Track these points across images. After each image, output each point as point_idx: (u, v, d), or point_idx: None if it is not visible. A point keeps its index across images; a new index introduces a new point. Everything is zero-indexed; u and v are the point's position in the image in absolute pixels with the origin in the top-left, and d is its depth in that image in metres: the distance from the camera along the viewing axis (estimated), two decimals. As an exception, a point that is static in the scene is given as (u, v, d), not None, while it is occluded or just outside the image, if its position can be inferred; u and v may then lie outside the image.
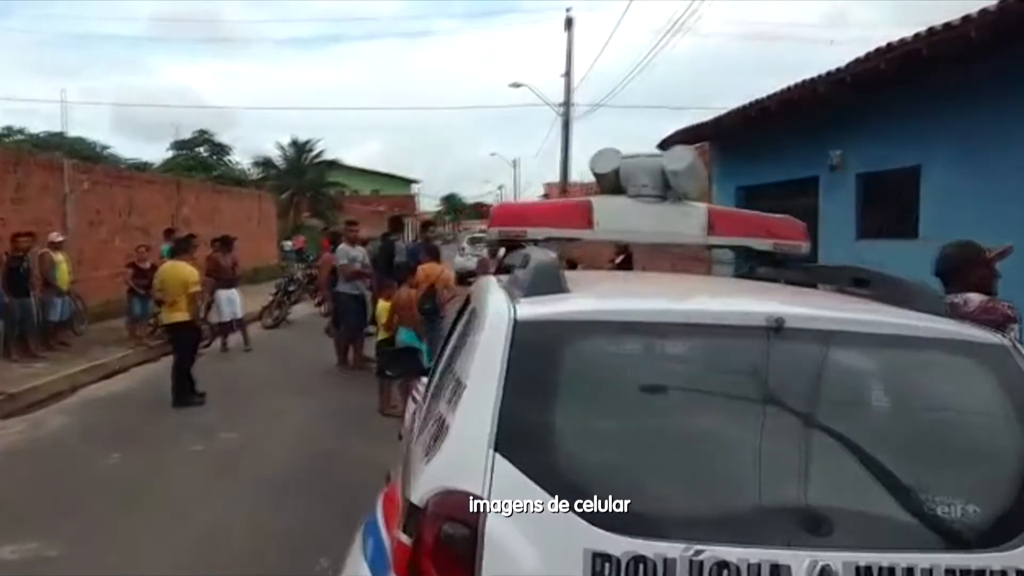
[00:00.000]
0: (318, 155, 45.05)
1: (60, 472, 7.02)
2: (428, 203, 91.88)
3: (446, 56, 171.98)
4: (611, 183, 3.73)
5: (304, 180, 42.95)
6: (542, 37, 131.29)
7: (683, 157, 3.72)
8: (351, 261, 11.64)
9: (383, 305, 9.12)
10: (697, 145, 14.03)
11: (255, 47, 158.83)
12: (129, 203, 16.92)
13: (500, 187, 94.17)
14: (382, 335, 9.13)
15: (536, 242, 3.77)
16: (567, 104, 32.09)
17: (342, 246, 11.96)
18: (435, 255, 10.55)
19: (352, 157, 52.29)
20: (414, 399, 4.47)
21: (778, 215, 3.84)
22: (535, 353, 2.16)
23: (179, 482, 6.72)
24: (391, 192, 67.65)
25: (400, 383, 8.81)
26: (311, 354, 12.78)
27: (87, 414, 9.22)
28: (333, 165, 47.44)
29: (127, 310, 13.17)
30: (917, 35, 6.78)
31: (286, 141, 44.05)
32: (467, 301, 3.31)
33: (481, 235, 32.63)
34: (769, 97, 9.58)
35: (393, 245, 11.47)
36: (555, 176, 34.78)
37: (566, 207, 3.76)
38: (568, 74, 31.86)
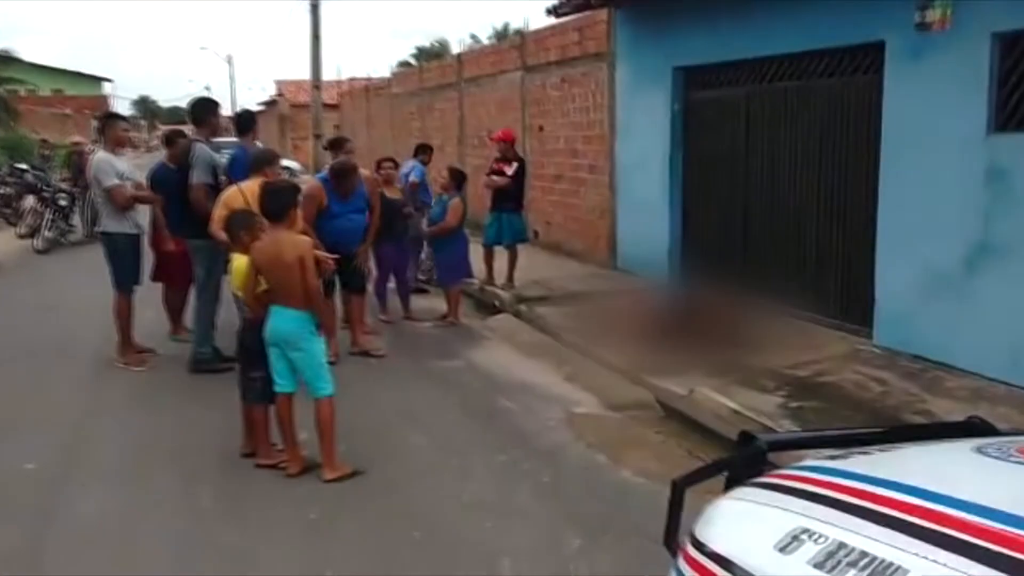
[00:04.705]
0: (-13, 46, 36.59)
1: None
2: (123, 106, 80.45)
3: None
4: None
5: (-32, 77, 34.60)
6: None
7: None
8: (121, 179, 6.97)
9: (239, 262, 4.90)
10: (588, 13, 10.67)
11: None
12: None
13: (207, 87, 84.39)
14: (248, 312, 4.96)
15: None
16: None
17: (100, 154, 7.17)
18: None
19: (28, 52, 42.80)
20: None
21: None
22: None
23: None
24: (78, 92, 58.12)
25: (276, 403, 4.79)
26: (38, 324, 8.03)
27: None
28: (7, 59, 38.62)
29: None
30: None
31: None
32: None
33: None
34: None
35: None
36: (287, 75, 29.53)
37: None
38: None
